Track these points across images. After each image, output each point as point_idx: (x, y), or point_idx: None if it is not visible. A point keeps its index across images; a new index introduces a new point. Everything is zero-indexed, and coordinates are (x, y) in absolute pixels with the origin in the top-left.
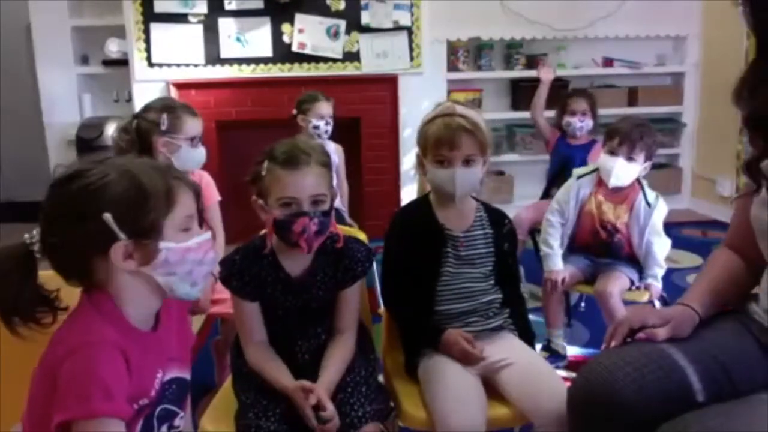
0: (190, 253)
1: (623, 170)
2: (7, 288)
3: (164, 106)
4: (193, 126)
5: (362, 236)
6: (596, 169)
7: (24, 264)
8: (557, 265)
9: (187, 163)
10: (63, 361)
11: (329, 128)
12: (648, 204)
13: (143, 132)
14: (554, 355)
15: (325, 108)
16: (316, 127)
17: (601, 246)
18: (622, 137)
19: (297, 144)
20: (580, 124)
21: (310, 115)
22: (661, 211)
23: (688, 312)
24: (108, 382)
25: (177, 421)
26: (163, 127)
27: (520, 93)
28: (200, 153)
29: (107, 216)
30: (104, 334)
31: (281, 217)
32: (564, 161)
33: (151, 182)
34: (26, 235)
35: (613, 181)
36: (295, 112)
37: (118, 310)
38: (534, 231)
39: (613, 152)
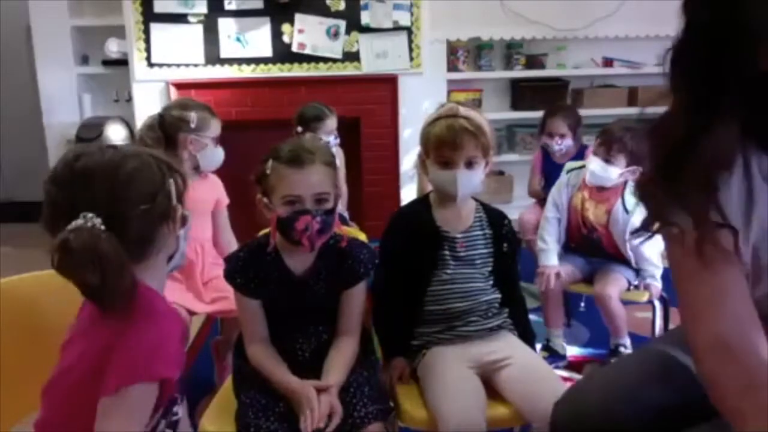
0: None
1: (598, 170)
2: (125, 266)
3: (189, 104)
4: (216, 126)
5: (362, 236)
6: (584, 166)
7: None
8: (550, 260)
9: (213, 163)
10: (124, 330)
11: (337, 141)
12: (626, 210)
13: (169, 129)
14: (554, 355)
15: (332, 123)
16: (327, 143)
17: (586, 242)
18: (602, 139)
19: (302, 143)
20: (558, 147)
21: (320, 133)
22: (639, 217)
23: None
24: (171, 350)
25: (176, 407)
26: (193, 125)
27: (520, 93)
28: (221, 153)
29: (171, 182)
30: (165, 305)
31: (284, 214)
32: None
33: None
34: (80, 222)
35: (588, 178)
36: (300, 129)
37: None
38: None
39: (595, 152)
